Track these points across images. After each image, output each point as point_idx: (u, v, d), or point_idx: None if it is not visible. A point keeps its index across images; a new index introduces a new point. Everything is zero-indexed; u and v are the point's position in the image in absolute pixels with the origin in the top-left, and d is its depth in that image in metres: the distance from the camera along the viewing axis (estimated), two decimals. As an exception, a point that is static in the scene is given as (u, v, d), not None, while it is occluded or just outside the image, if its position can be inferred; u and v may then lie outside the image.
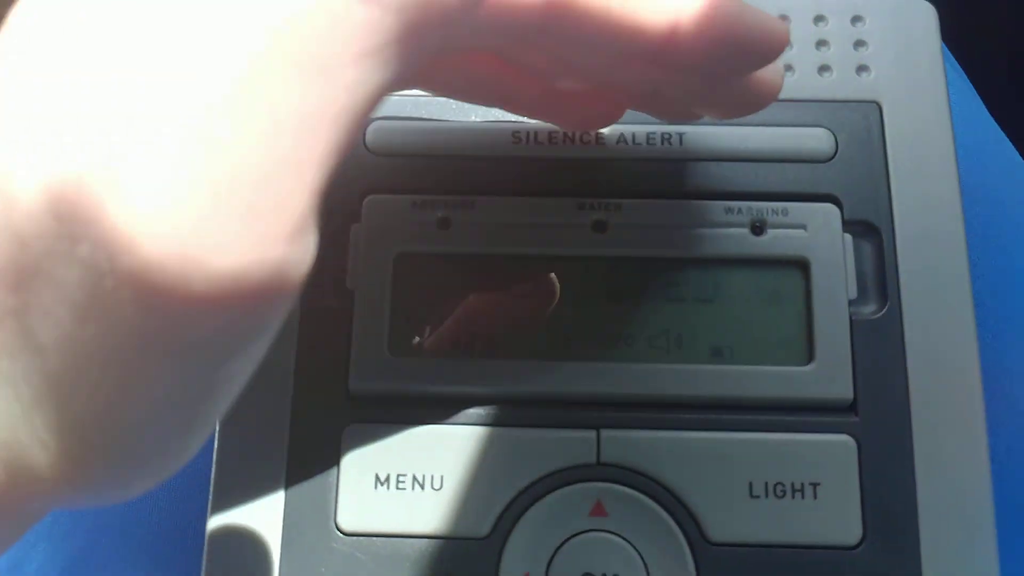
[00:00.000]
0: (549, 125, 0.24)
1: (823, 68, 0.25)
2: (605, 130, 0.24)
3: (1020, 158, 0.32)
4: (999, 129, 0.32)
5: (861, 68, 0.25)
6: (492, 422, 0.22)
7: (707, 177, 0.24)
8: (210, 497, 0.22)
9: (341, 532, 0.22)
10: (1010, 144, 0.32)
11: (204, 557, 0.22)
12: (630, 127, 0.24)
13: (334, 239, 0.23)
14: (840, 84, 0.24)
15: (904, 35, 0.25)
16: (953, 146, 0.24)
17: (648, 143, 0.24)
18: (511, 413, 0.22)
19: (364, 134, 0.24)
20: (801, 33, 0.25)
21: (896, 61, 0.25)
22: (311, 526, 0.22)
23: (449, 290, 0.23)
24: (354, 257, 0.23)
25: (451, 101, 0.24)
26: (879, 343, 0.22)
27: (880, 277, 0.23)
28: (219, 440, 0.22)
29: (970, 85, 0.34)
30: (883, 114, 0.24)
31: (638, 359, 0.22)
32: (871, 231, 0.23)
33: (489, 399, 0.22)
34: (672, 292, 0.23)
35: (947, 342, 0.22)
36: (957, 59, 0.35)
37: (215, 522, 0.22)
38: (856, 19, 0.25)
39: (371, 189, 0.24)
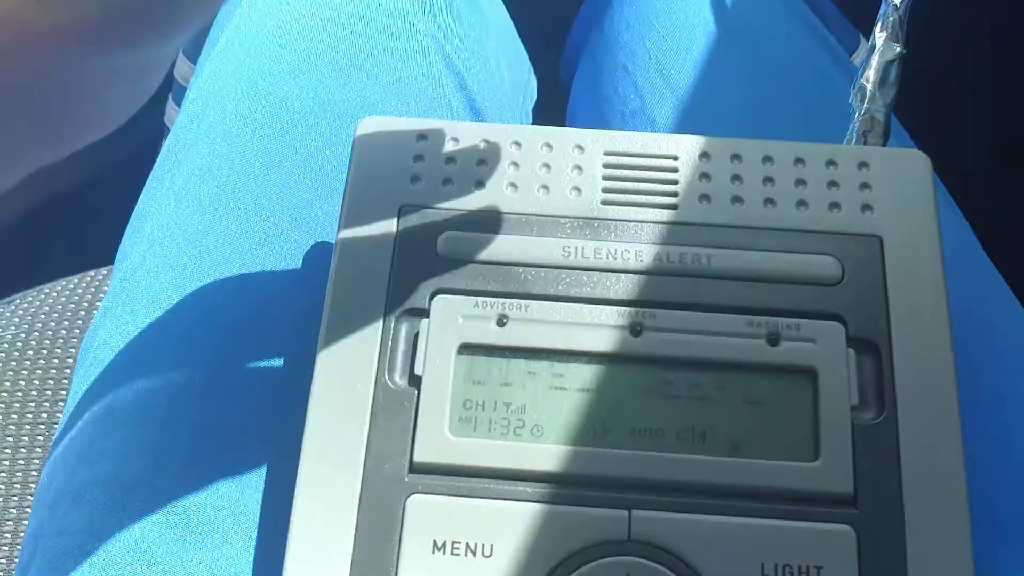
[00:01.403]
0: (598, 241, 0.28)
1: (833, 205, 0.28)
2: (642, 247, 0.28)
3: (1004, 282, 0.36)
4: (987, 259, 0.36)
5: (866, 207, 0.28)
6: (537, 499, 0.25)
7: (731, 293, 0.27)
8: (285, 558, 0.25)
9: None
10: (995, 271, 0.36)
11: None
12: (664, 247, 0.28)
13: (408, 331, 0.27)
14: (847, 220, 0.28)
15: (903, 180, 0.29)
16: (943, 278, 0.27)
17: (680, 262, 0.28)
18: (554, 492, 0.25)
19: (436, 242, 0.28)
20: (816, 174, 0.29)
21: (896, 202, 0.28)
22: None
23: (503, 380, 0.27)
24: (423, 347, 0.27)
25: (510, 217, 0.28)
26: (877, 445, 0.26)
27: (879, 388, 0.26)
28: (296, 503, 0.25)
29: (963, 219, 0.38)
30: (884, 247, 0.28)
31: (666, 449, 0.26)
32: (872, 347, 0.27)
33: (535, 478, 0.25)
34: (697, 391, 0.26)
35: (937, 446, 0.26)
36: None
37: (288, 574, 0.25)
38: (862, 164, 0.29)
39: (440, 290, 0.27)
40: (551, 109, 0.53)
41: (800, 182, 0.29)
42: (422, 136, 0.30)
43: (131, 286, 0.33)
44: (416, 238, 0.28)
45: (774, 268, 0.27)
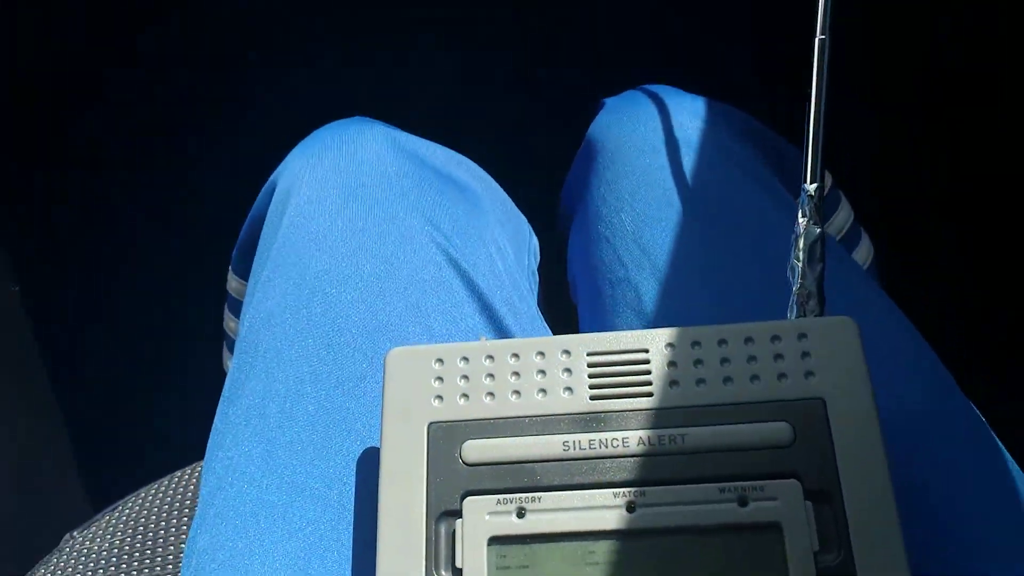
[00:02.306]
0: (591, 432, 0.34)
1: (781, 375, 0.34)
2: (628, 434, 0.34)
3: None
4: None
5: (808, 373, 0.34)
6: None
7: (704, 465, 0.33)
8: None
9: None
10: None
11: None
12: (645, 432, 0.34)
13: (446, 530, 0.33)
14: (794, 387, 0.34)
15: (837, 344, 0.35)
16: (879, 428, 0.33)
17: (659, 443, 0.34)
18: None
19: (460, 450, 0.34)
20: (763, 349, 0.35)
21: (832, 365, 0.34)
22: None
23: (528, 562, 0.33)
24: (460, 543, 0.33)
25: (518, 421, 0.35)
26: None
27: (836, 532, 0.32)
28: None
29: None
30: (827, 406, 0.34)
31: None
32: (826, 496, 0.32)
33: None
34: (685, 553, 0.32)
35: None
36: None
37: None
38: (801, 335, 0.35)
39: (468, 491, 0.34)
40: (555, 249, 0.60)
41: (751, 359, 0.35)
42: (439, 359, 0.36)
43: (220, 500, 0.40)
44: (444, 449, 0.35)
45: (736, 439, 0.33)
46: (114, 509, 0.50)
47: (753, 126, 0.56)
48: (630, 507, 0.33)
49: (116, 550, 0.48)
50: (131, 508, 0.49)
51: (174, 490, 0.50)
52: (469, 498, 0.34)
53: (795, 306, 0.37)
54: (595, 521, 0.33)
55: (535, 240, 0.59)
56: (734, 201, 0.48)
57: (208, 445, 0.44)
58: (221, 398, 0.44)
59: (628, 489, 0.33)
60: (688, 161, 0.49)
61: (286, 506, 0.38)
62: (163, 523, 0.48)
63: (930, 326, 0.47)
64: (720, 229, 0.47)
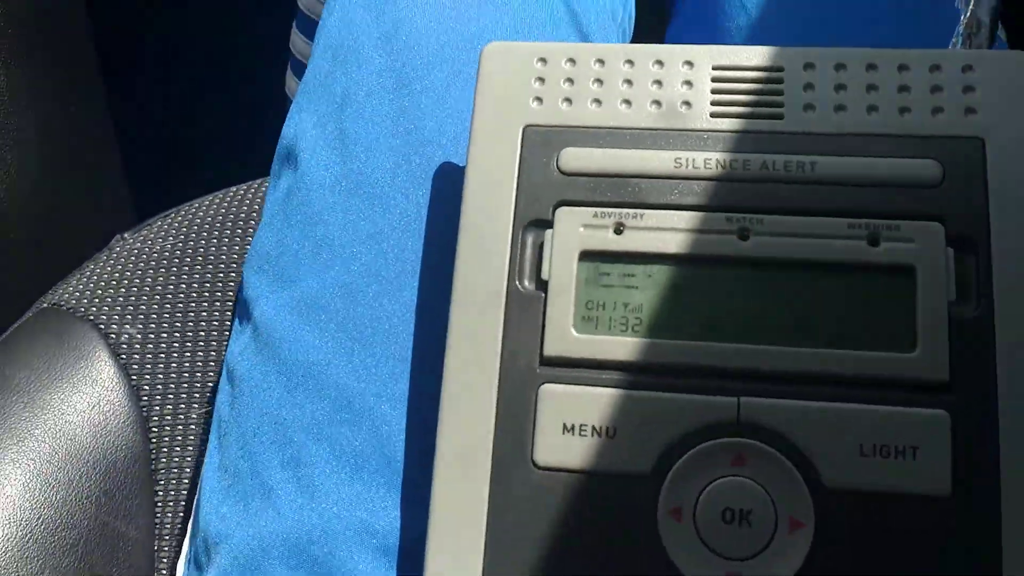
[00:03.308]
0: (707, 152, 0.30)
1: (936, 109, 0.30)
2: (749, 156, 0.30)
3: None
4: None
5: (969, 110, 0.30)
6: (654, 388, 0.28)
7: (834, 198, 0.29)
8: (437, 439, 0.29)
9: (536, 466, 0.28)
10: None
11: (433, 483, 0.29)
12: (770, 156, 0.30)
13: (534, 240, 0.30)
14: (950, 123, 0.30)
15: (1007, 81, 0.30)
16: None
17: (785, 168, 0.29)
18: (669, 382, 0.28)
19: (557, 158, 0.30)
20: (919, 79, 0.30)
21: (999, 103, 0.30)
22: (513, 461, 0.28)
23: (621, 282, 0.29)
24: (548, 255, 0.30)
25: (625, 132, 0.30)
26: (973, 337, 0.28)
27: (977, 284, 0.28)
28: (443, 397, 0.29)
29: None
30: (986, 148, 0.29)
31: (772, 343, 0.28)
32: (971, 245, 0.28)
33: (651, 370, 0.28)
34: (800, 290, 0.29)
35: None
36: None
37: (441, 454, 0.29)
38: (967, 68, 0.30)
39: (562, 201, 0.30)
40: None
41: (903, 88, 0.30)
42: (542, 59, 0.32)
43: (288, 202, 0.37)
44: (539, 155, 0.31)
45: (875, 173, 0.29)
46: (167, 215, 0.47)
47: None
48: (743, 234, 0.29)
49: (167, 252, 0.45)
50: (185, 214, 0.47)
51: (231, 203, 0.47)
52: (563, 208, 0.30)
53: (960, 37, 0.32)
54: (703, 245, 0.29)
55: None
56: None
57: (276, 150, 0.40)
58: (292, 104, 0.41)
59: (744, 215, 0.29)
60: None
61: (358, 211, 0.35)
62: (217, 231, 0.46)
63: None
64: None
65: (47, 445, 0.41)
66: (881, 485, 0.27)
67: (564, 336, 0.29)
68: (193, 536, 0.35)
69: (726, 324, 0.29)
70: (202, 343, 0.44)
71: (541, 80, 0.32)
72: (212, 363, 0.44)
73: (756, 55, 0.31)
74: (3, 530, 0.39)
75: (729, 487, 0.27)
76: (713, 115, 0.31)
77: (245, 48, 0.93)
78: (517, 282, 0.30)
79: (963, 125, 0.30)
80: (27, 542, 0.39)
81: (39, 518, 0.39)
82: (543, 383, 0.29)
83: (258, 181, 0.48)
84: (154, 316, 0.44)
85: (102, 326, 0.44)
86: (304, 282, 0.35)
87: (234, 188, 0.48)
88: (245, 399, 0.34)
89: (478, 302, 0.30)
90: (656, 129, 0.31)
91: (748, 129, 0.30)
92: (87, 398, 0.43)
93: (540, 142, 0.31)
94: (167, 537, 0.43)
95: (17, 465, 0.40)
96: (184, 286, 0.45)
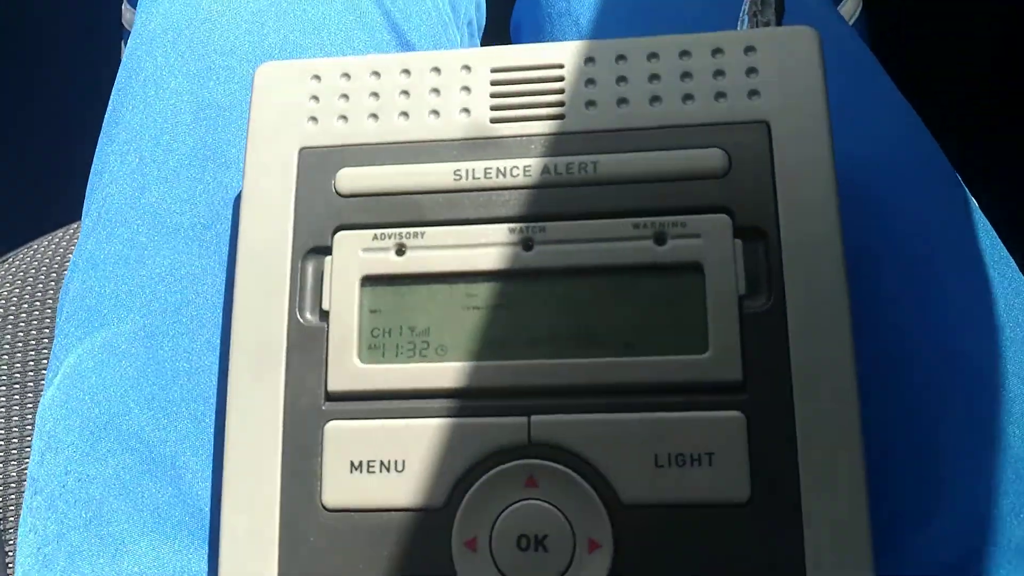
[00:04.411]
0: (487, 160, 0.28)
1: (719, 95, 0.28)
2: (531, 161, 0.28)
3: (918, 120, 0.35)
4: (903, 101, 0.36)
5: (752, 92, 0.28)
6: (443, 414, 0.27)
7: (618, 198, 0.28)
8: (223, 486, 0.28)
9: (326, 509, 0.27)
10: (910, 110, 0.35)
11: (221, 532, 0.27)
12: (551, 159, 0.28)
13: (315, 268, 0.28)
14: (734, 108, 0.28)
15: (791, 59, 0.29)
16: (832, 159, 0.27)
17: (567, 171, 0.28)
18: (458, 406, 0.27)
19: (334, 180, 0.29)
20: (701, 64, 0.29)
21: (783, 83, 0.28)
22: (302, 506, 0.27)
23: (405, 305, 0.28)
24: (328, 283, 0.28)
25: (404, 147, 0.29)
26: (765, 332, 0.27)
27: (767, 275, 0.27)
28: (227, 438, 0.28)
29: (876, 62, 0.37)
30: (771, 132, 0.28)
31: (562, 355, 0.27)
32: (760, 235, 0.27)
33: (440, 395, 0.27)
34: (588, 297, 0.27)
35: (825, 330, 0.26)
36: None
37: (227, 503, 0.27)
38: (748, 49, 0.29)
39: (341, 226, 0.29)
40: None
41: (686, 75, 0.29)
42: (316, 76, 0.30)
43: (91, 243, 0.35)
44: (316, 178, 0.29)
45: (658, 167, 0.28)
46: (3, 261, 0.45)
47: None
48: (527, 244, 0.28)
49: (4, 301, 0.44)
50: (12, 263, 0.45)
51: (60, 244, 0.45)
52: (341, 232, 0.29)
53: (746, 17, 0.30)
54: (485, 260, 0.28)
55: None
56: None
57: (87, 188, 0.39)
58: (101, 134, 0.39)
59: (526, 224, 0.28)
60: None
61: (157, 247, 0.34)
62: (42, 278, 0.44)
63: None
64: None
65: None
66: (679, 496, 0.26)
67: (348, 368, 0.28)
68: None
69: (514, 341, 0.27)
70: (30, 397, 0.42)
71: (316, 99, 0.30)
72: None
73: (535, 53, 0.30)
74: None
75: (523, 512, 0.26)
76: (494, 120, 0.29)
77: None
78: (299, 314, 0.28)
79: (747, 109, 0.28)
80: None
81: None
82: (328, 420, 0.27)
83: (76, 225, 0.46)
84: (-8, 369, 0.43)
85: (-65, 384, 0.42)
86: (107, 328, 0.33)
87: (73, 227, 0.46)
88: (51, 455, 0.32)
89: (258, 338, 0.28)
90: (436, 140, 0.29)
91: (530, 132, 0.29)
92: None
93: (317, 164, 0.29)
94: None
95: None
96: (8, 336, 0.43)
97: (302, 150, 0.30)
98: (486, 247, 0.28)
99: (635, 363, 0.27)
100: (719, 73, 0.29)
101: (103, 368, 0.32)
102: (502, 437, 0.27)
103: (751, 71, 0.29)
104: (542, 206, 0.28)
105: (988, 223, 0.34)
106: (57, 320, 0.36)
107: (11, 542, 0.41)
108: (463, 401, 0.27)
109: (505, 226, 0.28)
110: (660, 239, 0.27)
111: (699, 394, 0.26)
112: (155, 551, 0.30)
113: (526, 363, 0.27)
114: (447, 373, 0.27)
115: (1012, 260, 0.34)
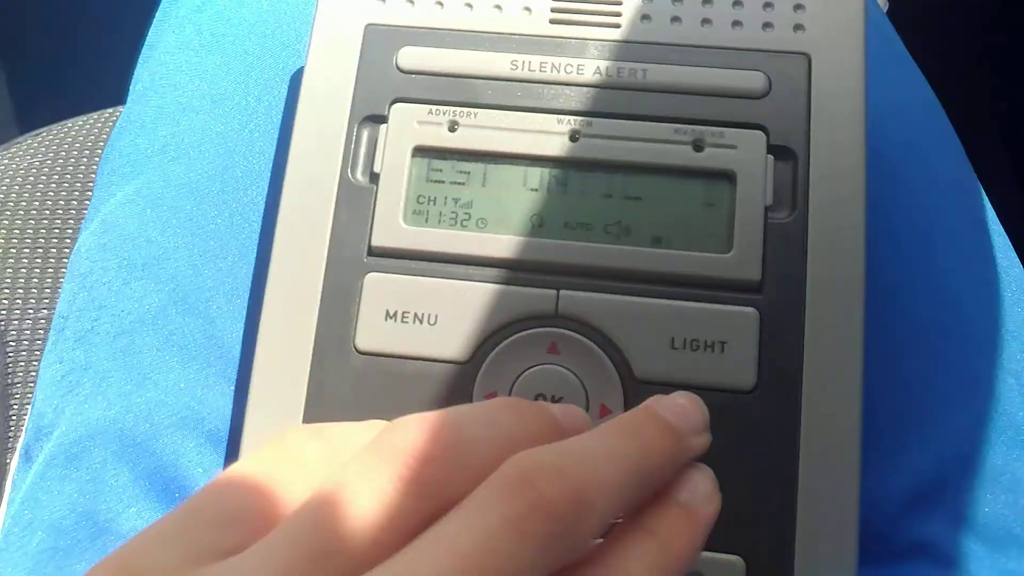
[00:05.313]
0: (543, 56, 0.30)
1: (767, 25, 0.31)
2: (584, 62, 0.30)
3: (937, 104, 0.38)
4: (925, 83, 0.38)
5: (797, 27, 0.31)
6: (477, 279, 0.29)
7: (663, 105, 0.30)
8: (259, 324, 0.29)
9: (357, 351, 0.28)
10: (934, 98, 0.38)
11: (253, 366, 0.29)
12: (604, 62, 0.30)
13: (369, 135, 0.30)
14: (778, 39, 0.30)
15: (834, 1, 0.31)
16: (864, 95, 0.30)
17: (618, 75, 0.30)
18: (492, 273, 0.29)
19: (396, 56, 0.31)
20: (752, -4, 0.31)
21: (826, 22, 0.30)
22: (335, 346, 0.28)
23: (452, 179, 0.30)
24: (381, 149, 0.30)
25: (465, 34, 0.31)
26: (786, 241, 0.29)
27: (793, 191, 0.29)
28: (270, 279, 0.29)
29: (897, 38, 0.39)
30: (811, 64, 0.30)
31: (594, 240, 0.29)
32: (790, 154, 0.29)
33: (476, 262, 0.29)
34: (625, 191, 0.29)
35: (841, 245, 0.28)
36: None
37: (263, 339, 0.29)
38: None
39: (398, 99, 0.30)
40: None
41: (737, 3, 0.31)
42: None
43: (139, 107, 0.37)
44: (379, 53, 0.31)
45: (704, 82, 0.30)
46: (38, 133, 0.47)
47: None
48: (573, 136, 0.30)
49: (35, 169, 0.45)
50: (57, 133, 0.46)
51: (104, 124, 0.47)
52: (398, 104, 0.30)
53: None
54: (532, 145, 0.30)
55: None
56: None
57: (139, 59, 0.40)
58: (157, 11, 0.40)
59: (574, 117, 0.30)
60: None
61: (207, 110, 0.35)
62: (87, 152, 0.45)
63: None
64: None
65: None
66: (689, 377, 0.28)
67: (393, 228, 0.29)
68: (27, 430, 0.34)
69: (551, 222, 0.29)
70: (65, 260, 0.43)
71: (387, -19, 0.32)
72: (72, 278, 0.43)
73: None
74: None
75: (543, 374, 0.28)
76: (552, 21, 0.31)
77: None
78: (349, 174, 0.30)
79: (791, 41, 0.30)
80: None
81: None
82: (369, 272, 0.29)
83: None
84: (17, 231, 0.44)
85: (-39, 238, 0.43)
86: (149, 177, 0.34)
87: (114, 110, 0.48)
88: (84, 293, 0.34)
89: (309, 191, 0.30)
90: (495, 32, 0.31)
91: (585, 36, 0.31)
92: (-60, 308, 0.42)
93: (381, 40, 0.31)
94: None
95: None
96: (50, 202, 0.44)
97: (368, 26, 0.31)
98: (534, 133, 0.30)
99: (662, 254, 0.29)
100: (768, 5, 0.31)
101: (144, 213, 0.34)
102: (531, 305, 0.28)
103: (798, 7, 0.31)
104: (591, 104, 0.30)
105: (990, 205, 0.37)
106: (98, 174, 0.37)
107: (16, 395, 0.42)
108: (498, 270, 0.29)
109: (554, 116, 0.30)
110: (698, 146, 0.29)
111: (718, 290, 0.28)
112: (182, 384, 0.31)
113: (560, 243, 0.29)
114: (485, 243, 0.29)
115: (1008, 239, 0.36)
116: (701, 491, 0.20)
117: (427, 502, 0.17)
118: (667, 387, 0.27)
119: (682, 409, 0.21)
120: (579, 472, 0.17)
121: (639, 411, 0.21)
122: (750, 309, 0.28)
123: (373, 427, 0.20)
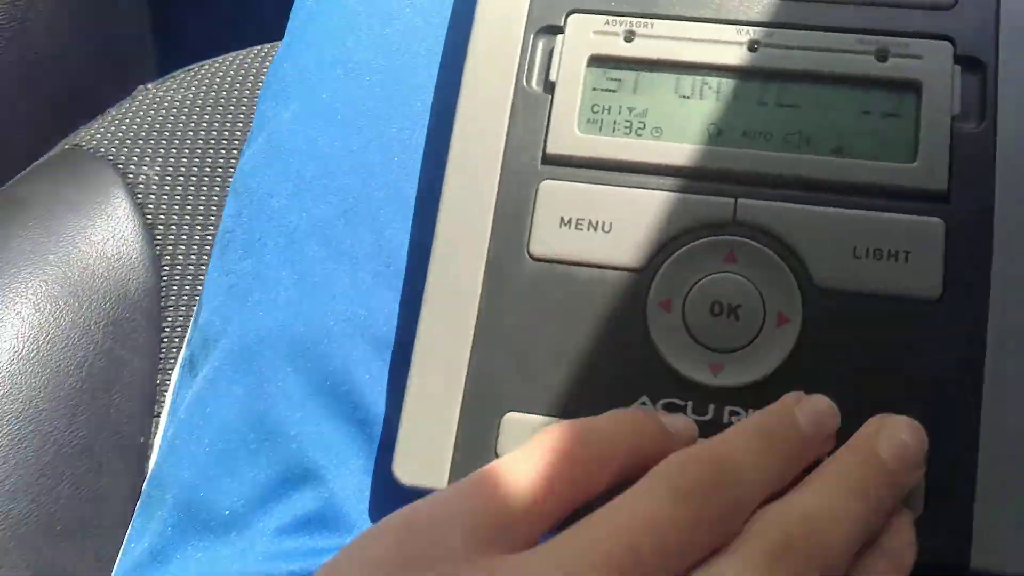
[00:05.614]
0: None
1: None
2: None
3: None
4: None
5: None
6: (653, 187, 0.29)
7: (845, 15, 0.29)
8: (435, 229, 0.29)
9: (531, 257, 0.29)
10: None
11: (428, 270, 0.29)
12: (785, -28, 0.30)
13: (545, 45, 0.30)
14: None
15: None
16: None
17: None
18: (668, 182, 0.29)
19: None
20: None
21: None
22: (508, 252, 0.29)
23: (628, 88, 0.30)
24: (557, 58, 0.30)
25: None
26: (973, 151, 0.28)
27: (981, 101, 0.28)
28: (445, 186, 0.30)
29: None
30: None
31: (774, 149, 0.28)
32: (978, 65, 0.28)
33: (652, 170, 0.29)
34: (806, 101, 0.29)
35: None
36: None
37: (438, 245, 0.29)
38: None
39: (575, 9, 0.30)
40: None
41: (923, -85, 0.30)
42: None
43: (305, 28, 0.38)
44: None
45: None
46: (191, 68, 0.48)
47: None
48: (752, 46, 0.29)
49: (189, 101, 0.46)
50: (210, 67, 0.48)
51: (264, 60, 0.48)
52: (575, 15, 0.30)
53: None
54: (711, 54, 0.29)
55: None
56: None
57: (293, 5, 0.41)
58: None
59: (754, 28, 0.29)
60: None
61: (370, 28, 0.36)
62: (239, 84, 0.46)
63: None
64: None
65: (60, 269, 0.42)
66: (871, 286, 0.27)
67: (567, 136, 0.29)
68: (190, 342, 0.36)
69: (729, 131, 0.29)
70: (217, 187, 0.45)
71: None
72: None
73: None
74: (11, 343, 0.40)
75: (720, 281, 0.28)
76: (731, -67, 0.31)
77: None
78: (525, 83, 0.30)
79: None
80: (33, 357, 0.40)
81: (47, 336, 0.40)
82: (544, 179, 0.29)
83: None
84: (172, 160, 0.45)
85: (120, 166, 0.45)
86: (316, 94, 0.35)
87: (268, 46, 0.49)
88: (251, 208, 0.35)
89: (485, 100, 0.30)
90: None
91: None
92: (102, 231, 0.43)
93: None
94: (170, 372, 0.43)
95: (29, 284, 0.41)
96: (203, 132, 0.45)
97: None
98: (713, 43, 0.29)
99: (845, 163, 0.28)
100: None
101: (312, 128, 0.34)
102: (708, 213, 0.28)
103: None
104: (771, 14, 0.30)
105: None
106: (260, 97, 0.38)
107: (168, 318, 0.44)
108: (674, 178, 0.29)
109: (733, 27, 0.30)
110: (882, 56, 0.29)
111: (903, 200, 0.28)
112: (351, 292, 0.32)
113: (738, 150, 0.28)
114: (661, 150, 0.29)
115: None
116: (906, 540, 0.24)
117: (725, 526, 0.21)
118: (847, 295, 0.27)
119: (904, 449, 0.24)
120: (825, 540, 0.22)
121: (862, 463, 0.24)
122: (936, 219, 0.27)
123: (622, 421, 0.25)
